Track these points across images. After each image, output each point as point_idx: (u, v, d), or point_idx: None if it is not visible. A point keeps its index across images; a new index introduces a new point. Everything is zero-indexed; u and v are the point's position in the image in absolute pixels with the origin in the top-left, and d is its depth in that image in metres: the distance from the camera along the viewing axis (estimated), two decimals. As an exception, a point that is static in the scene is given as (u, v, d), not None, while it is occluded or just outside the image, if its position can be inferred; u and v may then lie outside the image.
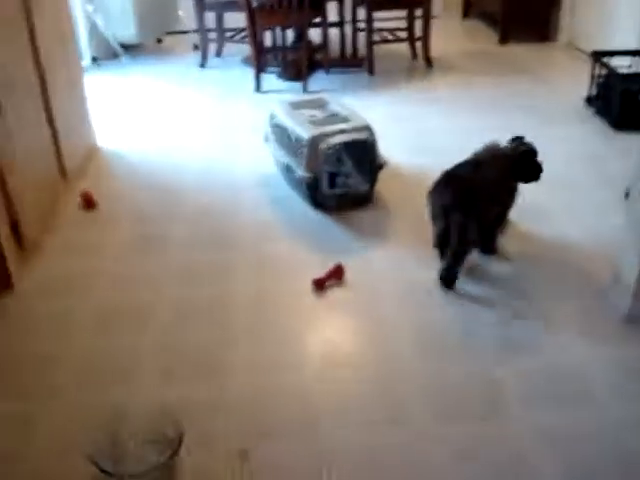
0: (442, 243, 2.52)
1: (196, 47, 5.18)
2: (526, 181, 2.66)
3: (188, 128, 4.02)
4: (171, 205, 3.18)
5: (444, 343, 2.25)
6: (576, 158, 3.47)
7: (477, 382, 2.08)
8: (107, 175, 3.52)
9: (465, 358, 2.18)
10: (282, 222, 3.01)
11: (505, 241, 2.73)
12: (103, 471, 1.74)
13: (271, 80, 4.71)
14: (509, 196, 2.63)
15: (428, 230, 2.65)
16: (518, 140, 2.69)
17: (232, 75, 4.86)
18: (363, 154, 2.97)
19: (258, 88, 4.53)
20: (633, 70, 3.87)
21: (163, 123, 4.11)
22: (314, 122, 3.05)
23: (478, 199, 2.41)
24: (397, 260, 2.70)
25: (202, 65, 5.01)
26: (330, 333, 2.38)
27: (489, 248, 2.66)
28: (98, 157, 3.68)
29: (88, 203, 3.17)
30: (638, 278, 2.21)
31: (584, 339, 2.22)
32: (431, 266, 2.60)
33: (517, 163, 2.60)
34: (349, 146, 2.92)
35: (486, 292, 2.49)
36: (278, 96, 4.26)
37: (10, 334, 2.38)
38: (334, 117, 3.11)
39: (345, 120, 3.07)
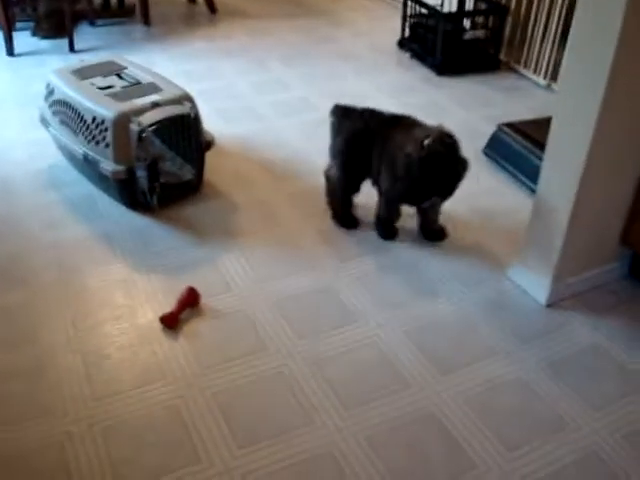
0: None
1: None
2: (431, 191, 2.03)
3: None
4: None
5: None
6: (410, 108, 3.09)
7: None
8: None
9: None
10: (92, 235, 2.22)
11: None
12: None
13: (24, 39, 3.68)
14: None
15: (274, 217, 2.08)
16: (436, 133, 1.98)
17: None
18: (186, 132, 2.27)
19: (11, 51, 3.48)
20: (447, 10, 3.57)
21: None
22: (114, 95, 2.26)
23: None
24: (253, 264, 2.10)
25: None
26: (212, 380, 1.74)
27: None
28: None
29: None
30: (558, 261, 1.88)
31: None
32: (290, 267, 2.06)
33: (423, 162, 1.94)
34: (168, 124, 2.21)
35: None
36: (40, 59, 3.32)
37: None
38: (139, 87, 2.34)
39: (155, 89, 2.33)
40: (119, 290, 2.00)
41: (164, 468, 1.49)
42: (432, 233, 2.21)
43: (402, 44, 3.69)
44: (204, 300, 1.94)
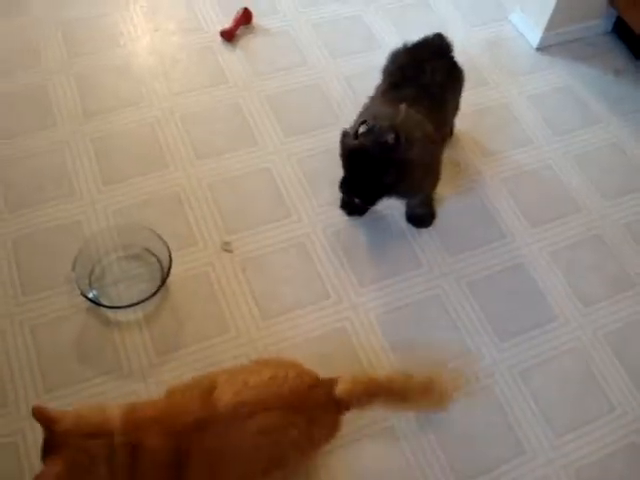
0: None
1: None
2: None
3: None
4: None
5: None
6: None
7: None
8: None
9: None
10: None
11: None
12: (91, 300, 1.65)
13: None
14: None
15: None
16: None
17: None
18: None
19: None
20: None
21: None
22: None
23: None
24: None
25: None
26: (261, 84, 2.21)
27: None
28: None
29: None
30: (554, 10, 2.25)
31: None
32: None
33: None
34: None
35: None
36: None
37: None
38: None
39: None
40: (184, 7, 2.38)
41: (228, 147, 2.04)
42: (412, 217, 1.93)
43: None
44: (256, 20, 2.34)
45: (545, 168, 2.08)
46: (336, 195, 1.91)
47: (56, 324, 1.67)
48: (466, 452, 1.58)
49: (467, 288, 1.82)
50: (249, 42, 2.30)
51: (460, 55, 1.89)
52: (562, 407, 1.66)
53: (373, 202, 1.66)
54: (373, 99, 1.80)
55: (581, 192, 2.03)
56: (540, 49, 2.36)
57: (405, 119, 1.61)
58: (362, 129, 1.56)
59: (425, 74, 1.77)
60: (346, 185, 1.63)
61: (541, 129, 2.17)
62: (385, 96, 1.77)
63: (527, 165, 2.08)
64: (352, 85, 2.22)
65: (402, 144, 1.54)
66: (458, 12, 2.45)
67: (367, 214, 1.93)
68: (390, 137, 1.53)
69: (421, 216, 1.93)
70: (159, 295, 1.72)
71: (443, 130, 1.84)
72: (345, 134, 1.60)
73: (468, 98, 2.07)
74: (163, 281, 1.69)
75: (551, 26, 2.30)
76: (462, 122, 2.08)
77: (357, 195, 1.65)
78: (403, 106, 1.66)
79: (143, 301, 1.67)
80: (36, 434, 1.50)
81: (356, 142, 1.56)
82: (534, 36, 2.35)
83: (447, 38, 1.86)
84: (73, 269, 1.67)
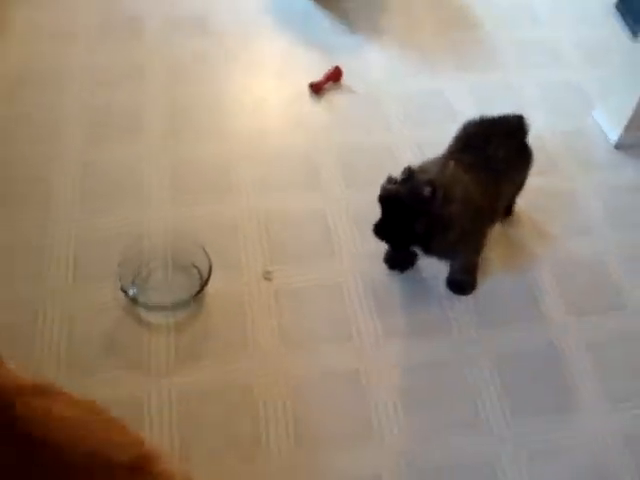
0: None
1: None
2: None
3: None
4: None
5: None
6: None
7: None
8: None
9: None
10: (265, 9, 2.76)
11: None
12: (130, 297, 1.77)
13: None
14: None
15: (422, 24, 2.50)
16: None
17: None
18: None
19: None
20: None
21: None
22: None
23: None
24: (394, 59, 2.59)
25: None
26: (336, 139, 2.33)
27: None
28: None
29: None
30: (635, 112, 2.26)
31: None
32: (426, 70, 2.54)
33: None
34: None
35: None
36: None
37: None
38: None
39: None
40: (282, 57, 2.57)
41: (291, 186, 2.16)
42: (451, 282, 1.94)
43: None
44: (345, 78, 2.48)
45: (598, 262, 2.05)
46: (382, 249, 1.96)
47: (93, 313, 1.80)
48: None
49: (492, 361, 1.80)
50: (334, 97, 2.44)
51: (536, 139, 1.93)
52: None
53: (400, 248, 1.70)
54: (431, 160, 1.87)
55: (633, 293, 1.98)
56: (618, 147, 2.36)
57: (450, 176, 1.67)
58: (402, 176, 1.63)
59: (490, 146, 1.82)
60: (378, 228, 1.69)
61: (602, 222, 2.15)
62: (445, 159, 1.83)
63: (581, 255, 2.06)
64: (424, 152, 2.28)
65: (438, 198, 1.58)
66: (544, 100, 2.50)
67: (408, 273, 1.97)
68: (426, 190, 1.58)
69: (460, 282, 1.94)
70: (193, 306, 1.82)
71: (495, 204, 1.86)
72: (388, 179, 1.66)
73: (536, 180, 2.08)
74: (198, 292, 1.79)
75: (631, 126, 2.30)
76: (526, 202, 2.10)
77: (387, 239, 1.70)
78: (452, 162, 1.72)
79: (177, 307, 1.77)
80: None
81: (392, 187, 1.63)
82: (614, 134, 2.35)
83: (526, 121, 1.90)
84: (119, 265, 1.80)
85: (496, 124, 1.88)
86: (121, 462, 1.03)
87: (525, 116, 1.89)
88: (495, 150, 1.81)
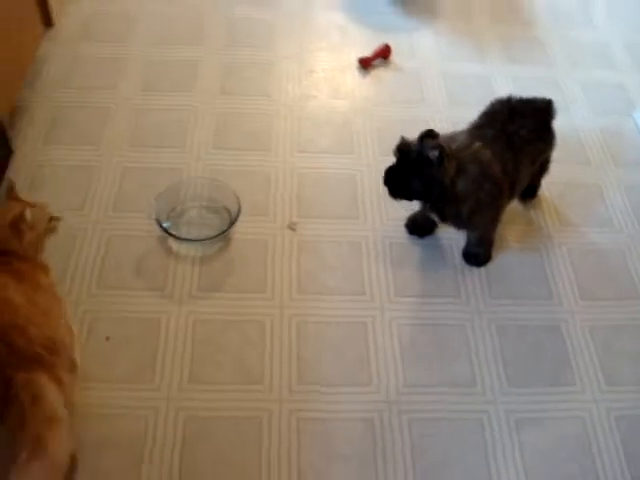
0: None
1: None
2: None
3: None
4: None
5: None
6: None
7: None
8: None
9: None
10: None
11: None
12: (164, 229, 1.91)
13: None
14: None
15: (478, 16, 2.57)
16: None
17: None
18: None
19: None
20: None
21: None
22: None
23: None
24: (444, 45, 2.68)
25: None
26: (377, 111, 2.43)
27: None
28: None
29: None
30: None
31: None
32: (474, 58, 2.61)
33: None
34: None
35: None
36: None
37: (55, 81, 2.38)
38: None
39: None
40: (336, 32, 2.68)
41: (328, 149, 2.26)
42: (466, 254, 2.03)
43: None
44: (394, 57, 2.58)
45: (616, 252, 2.09)
46: (404, 215, 2.05)
47: (128, 239, 1.94)
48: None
49: (496, 330, 1.87)
50: (381, 73, 2.54)
51: (572, 131, 1.98)
52: (546, 468, 1.66)
53: (394, 196, 1.80)
54: (459, 131, 1.95)
55: (645, 284, 2.03)
56: (655, 149, 2.39)
57: (470, 153, 1.75)
58: (423, 134, 1.73)
59: (513, 124, 1.88)
60: (386, 173, 1.79)
61: (626, 217, 2.18)
62: (469, 131, 1.91)
63: (600, 244, 2.10)
64: (458, 128, 2.37)
65: (446, 167, 1.68)
66: (586, 97, 2.54)
67: (427, 239, 2.05)
68: (432, 153, 1.67)
69: (475, 255, 2.02)
70: (219, 244, 1.95)
71: (514, 180, 1.92)
72: (419, 135, 1.74)
73: (565, 170, 2.14)
74: (225, 230, 1.92)
75: (668, 128, 2.33)
76: (552, 189, 2.16)
77: (386, 182, 1.79)
78: (477, 144, 1.80)
79: (204, 240, 1.91)
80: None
81: (408, 141, 1.73)
82: (652, 135, 2.39)
83: (554, 106, 1.96)
84: (156, 200, 1.94)
85: (524, 103, 1.94)
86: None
87: (554, 101, 1.95)
88: (518, 127, 1.87)
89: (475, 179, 1.75)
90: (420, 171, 1.71)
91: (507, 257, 2.04)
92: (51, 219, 1.61)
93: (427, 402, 1.73)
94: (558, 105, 1.97)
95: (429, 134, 1.72)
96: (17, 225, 1.45)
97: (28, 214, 1.47)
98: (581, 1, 2.99)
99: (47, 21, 2.43)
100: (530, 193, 2.13)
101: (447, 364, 1.80)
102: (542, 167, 2.05)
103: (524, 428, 1.70)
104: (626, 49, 2.76)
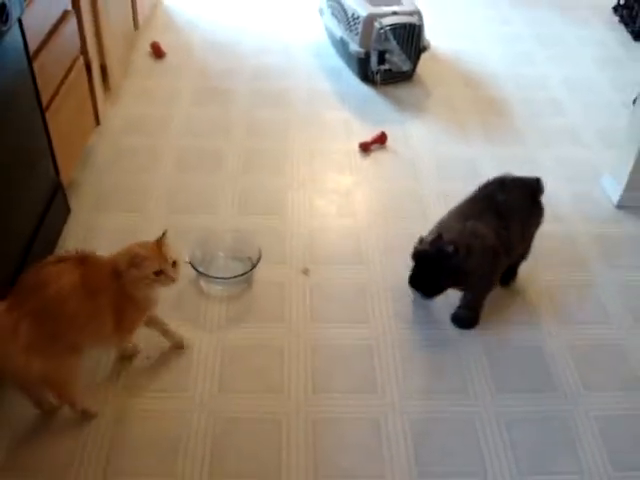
0: None
1: None
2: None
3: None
4: (231, 62, 3.54)
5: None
6: (596, 61, 3.79)
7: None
8: (171, 28, 3.83)
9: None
10: (333, 90, 3.39)
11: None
12: (197, 271, 2.25)
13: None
14: None
15: (461, 110, 3.02)
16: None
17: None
18: (410, 36, 3.29)
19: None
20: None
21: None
22: (370, 1, 3.35)
23: None
24: (432, 132, 3.12)
25: None
26: (376, 184, 2.82)
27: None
28: (160, 11, 3.97)
29: (157, 53, 3.52)
30: (630, 173, 2.65)
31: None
32: (459, 142, 3.05)
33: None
34: (399, 28, 3.24)
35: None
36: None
37: (102, 164, 2.83)
38: (389, -2, 3.39)
39: (398, 2, 3.37)
40: (341, 125, 3.15)
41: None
42: (455, 317, 2.22)
43: (616, 9, 4.29)
44: (389, 143, 3.02)
45: (593, 290, 2.39)
46: (406, 263, 2.39)
47: (167, 282, 2.29)
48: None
49: (486, 349, 2.14)
50: (378, 155, 2.97)
51: (546, 199, 2.24)
52: (534, 456, 1.88)
53: (431, 297, 2.10)
54: (450, 211, 2.19)
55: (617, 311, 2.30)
56: (619, 207, 2.74)
57: (469, 233, 2.01)
58: (429, 237, 2.01)
59: (502, 194, 2.12)
60: (412, 280, 2.08)
61: (600, 260, 2.50)
62: (460, 207, 2.17)
63: (574, 281, 2.41)
64: (447, 201, 2.72)
65: (460, 255, 1.95)
66: (559, 170, 2.93)
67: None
68: (450, 248, 1.94)
69: (463, 318, 2.21)
70: (243, 286, 2.29)
71: (507, 247, 2.11)
72: (420, 240, 2.04)
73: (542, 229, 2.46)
74: (249, 271, 2.28)
75: (629, 188, 2.69)
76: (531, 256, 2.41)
77: (419, 289, 2.08)
78: (470, 223, 2.05)
79: (230, 282, 2.25)
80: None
81: (422, 247, 2.01)
82: (616, 195, 2.74)
83: (542, 185, 2.20)
84: (191, 249, 2.30)
85: (514, 181, 2.18)
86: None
87: (541, 179, 2.21)
88: (507, 197, 2.11)
89: (479, 252, 2.01)
90: (442, 266, 1.98)
91: (495, 296, 2.34)
92: (160, 273, 1.77)
93: (426, 405, 1.98)
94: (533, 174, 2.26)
95: (437, 235, 1.99)
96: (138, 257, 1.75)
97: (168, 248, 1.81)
98: (550, 95, 3.46)
99: (96, 120, 2.91)
100: (510, 276, 2.35)
101: (441, 377, 2.06)
102: (527, 242, 2.25)
103: (514, 425, 1.93)
104: (593, 130, 3.20)
